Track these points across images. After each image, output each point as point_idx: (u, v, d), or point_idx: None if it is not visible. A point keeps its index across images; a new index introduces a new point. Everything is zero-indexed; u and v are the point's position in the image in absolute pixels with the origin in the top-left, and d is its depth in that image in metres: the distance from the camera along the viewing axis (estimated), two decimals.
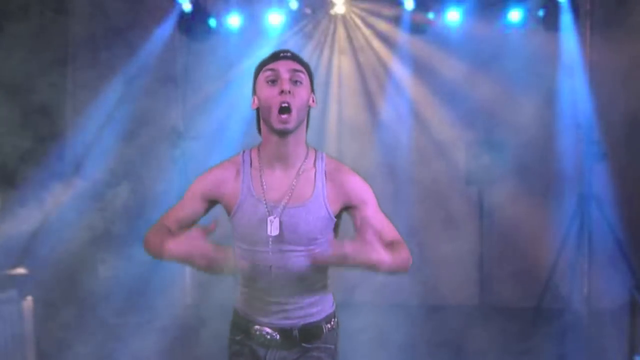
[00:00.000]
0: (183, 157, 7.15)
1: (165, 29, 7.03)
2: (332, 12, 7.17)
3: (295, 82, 2.38)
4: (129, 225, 6.89)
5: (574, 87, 6.71)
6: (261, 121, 2.46)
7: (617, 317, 5.88)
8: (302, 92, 2.39)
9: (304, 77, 2.41)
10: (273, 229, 2.38)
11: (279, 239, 2.41)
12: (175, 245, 2.22)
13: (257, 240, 2.43)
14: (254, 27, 7.07)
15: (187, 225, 2.45)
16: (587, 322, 6.39)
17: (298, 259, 2.42)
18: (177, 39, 7.20)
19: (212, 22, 7.05)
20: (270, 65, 2.37)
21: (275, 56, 2.41)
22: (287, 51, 2.44)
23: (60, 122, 7.00)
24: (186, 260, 2.21)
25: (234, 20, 7.01)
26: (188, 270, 7.32)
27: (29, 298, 5.33)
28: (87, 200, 6.79)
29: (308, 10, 7.16)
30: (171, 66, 7.26)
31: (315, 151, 2.60)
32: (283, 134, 2.39)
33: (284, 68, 2.37)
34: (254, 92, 2.45)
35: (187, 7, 6.92)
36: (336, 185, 2.56)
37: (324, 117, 7.32)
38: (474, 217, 7.08)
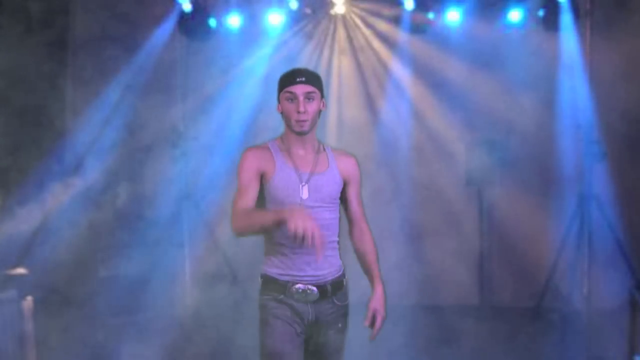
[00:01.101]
0: (183, 157, 7.15)
1: (165, 29, 7.03)
2: (332, 12, 7.17)
3: (309, 99, 3.13)
4: (129, 225, 6.90)
5: (574, 87, 6.71)
6: (285, 123, 3.18)
7: (617, 317, 5.88)
8: (314, 105, 3.15)
9: (315, 94, 3.15)
10: (304, 192, 3.10)
11: (309, 199, 3.10)
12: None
13: (292, 200, 3.06)
14: (254, 27, 7.07)
15: (255, 200, 3.07)
16: (587, 322, 6.39)
17: (323, 213, 3.12)
18: (177, 39, 7.19)
19: (212, 22, 7.05)
20: (289, 89, 3.11)
21: (293, 80, 3.12)
22: (302, 74, 3.14)
23: (60, 122, 7.00)
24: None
25: (234, 20, 7.01)
26: (188, 270, 7.33)
27: (29, 298, 5.33)
28: (87, 200, 6.79)
29: (308, 10, 7.16)
30: (171, 66, 7.26)
31: (321, 142, 3.37)
32: (301, 134, 3.16)
33: (299, 91, 3.11)
34: (278, 99, 3.17)
35: (187, 7, 6.92)
36: (342, 162, 3.29)
37: (324, 117, 7.25)
38: (474, 217, 7.09)
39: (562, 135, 6.78)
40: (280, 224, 2.84)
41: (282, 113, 3.17)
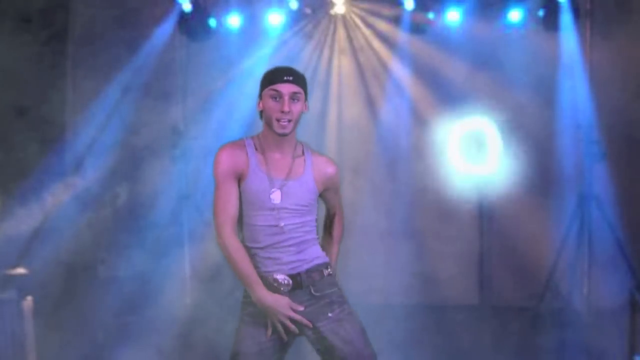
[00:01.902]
0: (183, 157, 7.15)
1: (165, 29, 7.03)
2: (332, 12, 7.16)
3: (293, 100, 3.00)
4: (128, 225, 6.90)
5: (574, 87, 6.71)
6: (264, 120, 3.04)
7: (617, 317, 5.88)
8: (298, 106, 3.01)
9: (301, 95, 3.02)
10: (276, 197, 2.99)
11: (282, 202, 3.01)
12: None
13: (263, 205, 2.99)
14: (254, 27, 7.06)
15: (238, 207, 2.99)
16: (587, 322, 6.39)
17: (296, 217, 3.04)
18: (177, 39, 7.19)
19: (212, 22, 7.05)
20: (275, 87, 3.00)
21: (280, 78, 3.01)
22: (289, 73, 3.03)
23: (60, 122, 7.00)
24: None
25: (234, 20, 7.01)
26: (188, 270, 7.33)
27: (29, 298, 5.33)
28: (87, 200, 6.79)
29: (308, 10, 7.15)
30: (171, 66, 7.26)
31: (302, 143, 3.16)
32: (282, 135, 3.01)
33: (285, 90, 2.98)
34: (260, 95, 3.07)
35: (187, 7, 6.92)
36: (320, 170, 3.11)
37: (324, 117, 7.32)
38: (474, 217, 7.08)
39: (562, 135, 6.78)
40: (258, 305, 2.94)
41: (261, 111, 3.04)
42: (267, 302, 2.93)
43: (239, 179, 2.99)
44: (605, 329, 5.96)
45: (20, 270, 5.49)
